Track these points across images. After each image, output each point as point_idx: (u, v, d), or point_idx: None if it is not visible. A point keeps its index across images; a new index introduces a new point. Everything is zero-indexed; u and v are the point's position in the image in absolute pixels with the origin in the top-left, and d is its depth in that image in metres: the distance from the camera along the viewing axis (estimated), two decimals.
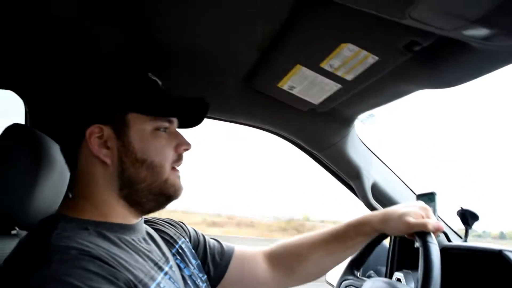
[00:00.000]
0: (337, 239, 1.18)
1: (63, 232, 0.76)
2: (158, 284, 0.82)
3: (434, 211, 1.29)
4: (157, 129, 0.91)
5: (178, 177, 0.95)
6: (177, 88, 1.04)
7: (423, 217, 1.04)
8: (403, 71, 1.07)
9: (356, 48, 1.00)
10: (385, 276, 1.73)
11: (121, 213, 0.90)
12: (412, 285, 1.44)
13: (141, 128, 0.89)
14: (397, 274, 1.60)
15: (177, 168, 0.96)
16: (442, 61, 1.00)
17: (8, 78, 1.39)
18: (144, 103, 0.90)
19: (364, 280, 1.24)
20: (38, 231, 0.80)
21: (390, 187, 1.70)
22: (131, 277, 0.74)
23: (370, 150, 1.70)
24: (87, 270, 0.67)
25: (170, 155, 0.93)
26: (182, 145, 0.95)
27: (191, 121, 1.04)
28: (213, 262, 1.16)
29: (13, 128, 0.98)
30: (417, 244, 1.42)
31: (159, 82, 0.96)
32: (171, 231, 1.11)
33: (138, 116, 0.89)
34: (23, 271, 0.67)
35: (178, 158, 0.95)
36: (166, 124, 0.92)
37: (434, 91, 1.17)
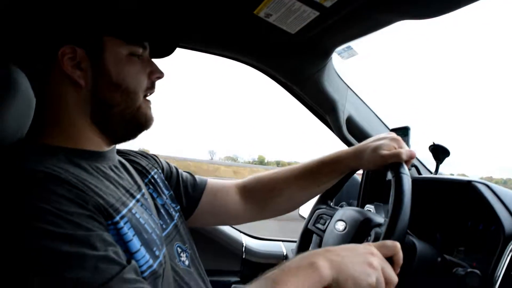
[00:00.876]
0: (310, 176, 1.19)
1: (30, 157, 0.74)
2: (130, 210, 0.82)
3: (408, 146, 1.30)
4: (132, 54, 0.88)
5: (150, 107, 0.94)
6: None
7: (395, 148, 1.05)
8: None
9: None
10: None
11: (92, 140, 0.88)
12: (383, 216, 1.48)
13: (116, 51, 0.85)
14: (368, 206, 1.64)
15: (149, 98, 0.95)
16: None
17: None
18: (120, 27, 0.86)
19: (336, 209, 1.27)
20: (4, 157, 0.76)
21: (365, 121, 1.71)
22: (102, 202, 0.73)
23: (346, 84, 1.68)
24: (55, 193, 0.66)
25: (144, 82, 0.91)
26: (155, 73, 0.93)
27: (164, 50, 1.02)
28: (186, 193, 1.17)
29: None
30: (389, 177, 1.45)
31: (134, 5, 0.91)
32: (143, 162, 1.10)
33: (113, 40, 0.85)
34: None
35: (151, 86, 0.93)
36: (140, 50, 0.90)
37: (416, 21, 1.15)
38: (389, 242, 0.79)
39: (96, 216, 0.70)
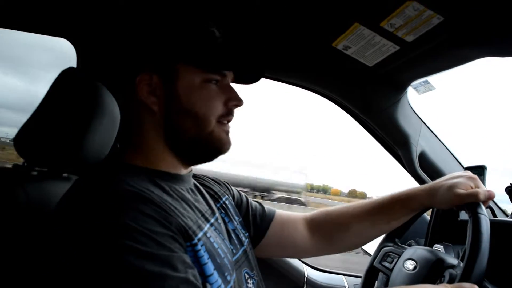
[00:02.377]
0: (381, 212, 1.17)
1: (118, 176, 0.78)
2: (205, 233, 0.84)
3: (484, 186, 1.25)
4: (207, 81, 0.89)
5: (226, 131, 0.93)
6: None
7: (472, 188, 1.02)
8: (470, 34, 1.01)
9: (421, 7, 0.95)
10: None
11: (169, 162, 0.91)
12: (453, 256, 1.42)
13: (189, 78, 0.87)
14: (437, 246, 1.57)
15: (226, 123, 0.94)
16: None
17: (62, 25, 1.41)
18: (194, 55, 0.88)
19: (404, 248, 1.23)
20: (95, 175, 0.81)
21: (438, 158, 1.66)
22: (182, 223, 0.75)
23: (420, 119, 1.65)
24: (142, 212, 0.69)
25: (218, 108, 0.90)
26: (232, 100, 0.93)
27: (247, 78, 1.02)
28: (254, 223, 1.17)
29: (69, 72, 0.98)
30: (462, 217, 1.38)
31: (217, 33, 0.93)
32: (216, 187, 1.13)
33: (188, 67, 0.87)
34: (82, 213, 0.68)
35: (227, 113, 0.93)
36: (217, 77, 0.90)
37: (499, 58, 1.11)
38: (467, 285, 0.76)
39: (177, 237, 0.72)
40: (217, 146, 0.92)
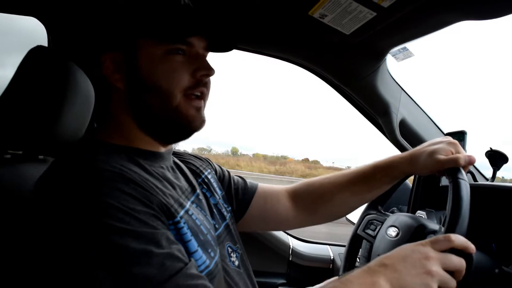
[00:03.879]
0: (363, 181, 1.16)
1: (96, 155, 0.76)
2: (187, 211, 0.83)
3: (464, 151, 1.25)
4: (170, 52, 0.84)
5: (195, 107, 0.87)
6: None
7: (452, 153, 1.02)
8: None
9: None
10: None
11: (145, 140, 0.89)
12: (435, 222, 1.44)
13: (149, 52, 0.83)
14: (420, 212, 1.59)
15: (197, 96, 0.88)
16: None
17: (32, 4, 1.36)
18: (151, 27, 0.83)
19: (387, 215, 1.23)
20: (72, 155, 0.79)
21: (418, 124, 1.67)
22: (164, 201, 0.75)
23: (400, 86, 1.64)
24: (123, 191, 0.67)
25: (184, 80, 0.84)
26: (200, 70, 0.86)
27: (219, 45, 0.95)
28: (236, 197, 1.17)
29: (37, 51, 0.94)
30: (443, 183, 1.39)
31: (182, 1, 0.87)
32: (197, 162, 1.12)
33: (147, 41, 0.83)
34: (61, 194, 0.67)
35: (196, 84, 0.86)
36: (181, 47, 0.85)
37: (476, 22, 1.10)
38: (440, 237, 0.77)
39: (159, 215, 0.71)
40: (184, 123, 0.87)
